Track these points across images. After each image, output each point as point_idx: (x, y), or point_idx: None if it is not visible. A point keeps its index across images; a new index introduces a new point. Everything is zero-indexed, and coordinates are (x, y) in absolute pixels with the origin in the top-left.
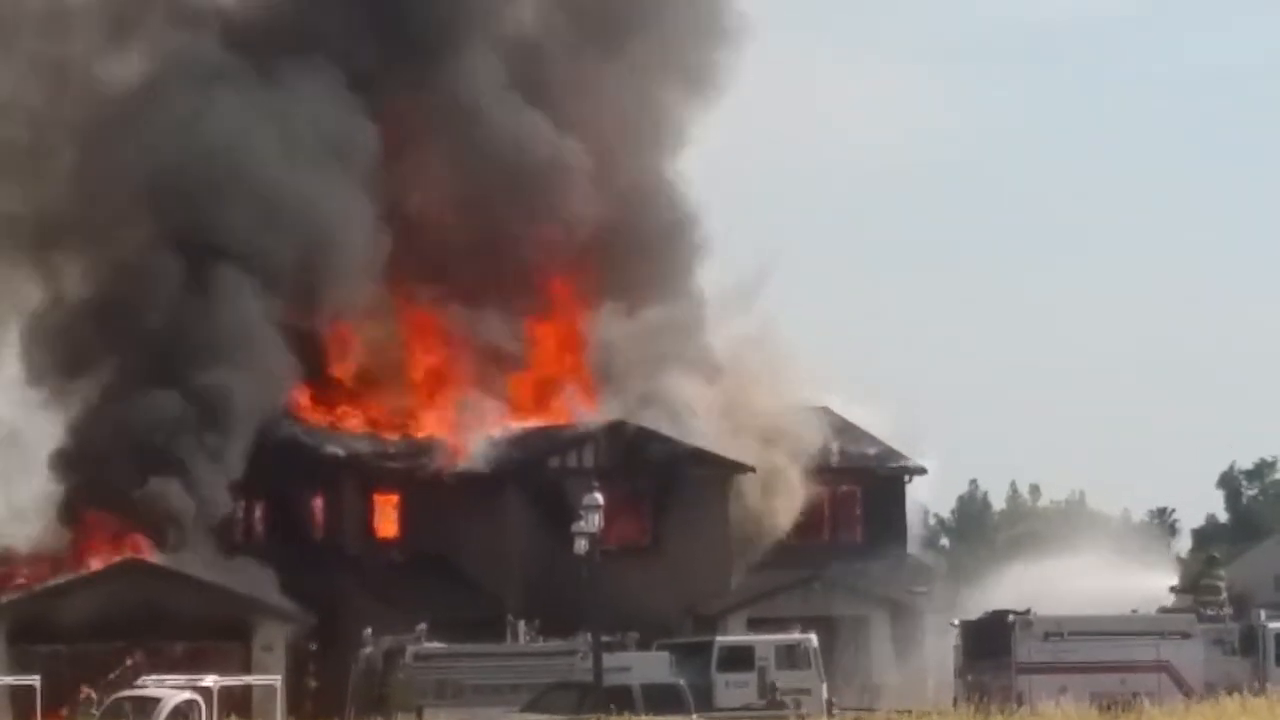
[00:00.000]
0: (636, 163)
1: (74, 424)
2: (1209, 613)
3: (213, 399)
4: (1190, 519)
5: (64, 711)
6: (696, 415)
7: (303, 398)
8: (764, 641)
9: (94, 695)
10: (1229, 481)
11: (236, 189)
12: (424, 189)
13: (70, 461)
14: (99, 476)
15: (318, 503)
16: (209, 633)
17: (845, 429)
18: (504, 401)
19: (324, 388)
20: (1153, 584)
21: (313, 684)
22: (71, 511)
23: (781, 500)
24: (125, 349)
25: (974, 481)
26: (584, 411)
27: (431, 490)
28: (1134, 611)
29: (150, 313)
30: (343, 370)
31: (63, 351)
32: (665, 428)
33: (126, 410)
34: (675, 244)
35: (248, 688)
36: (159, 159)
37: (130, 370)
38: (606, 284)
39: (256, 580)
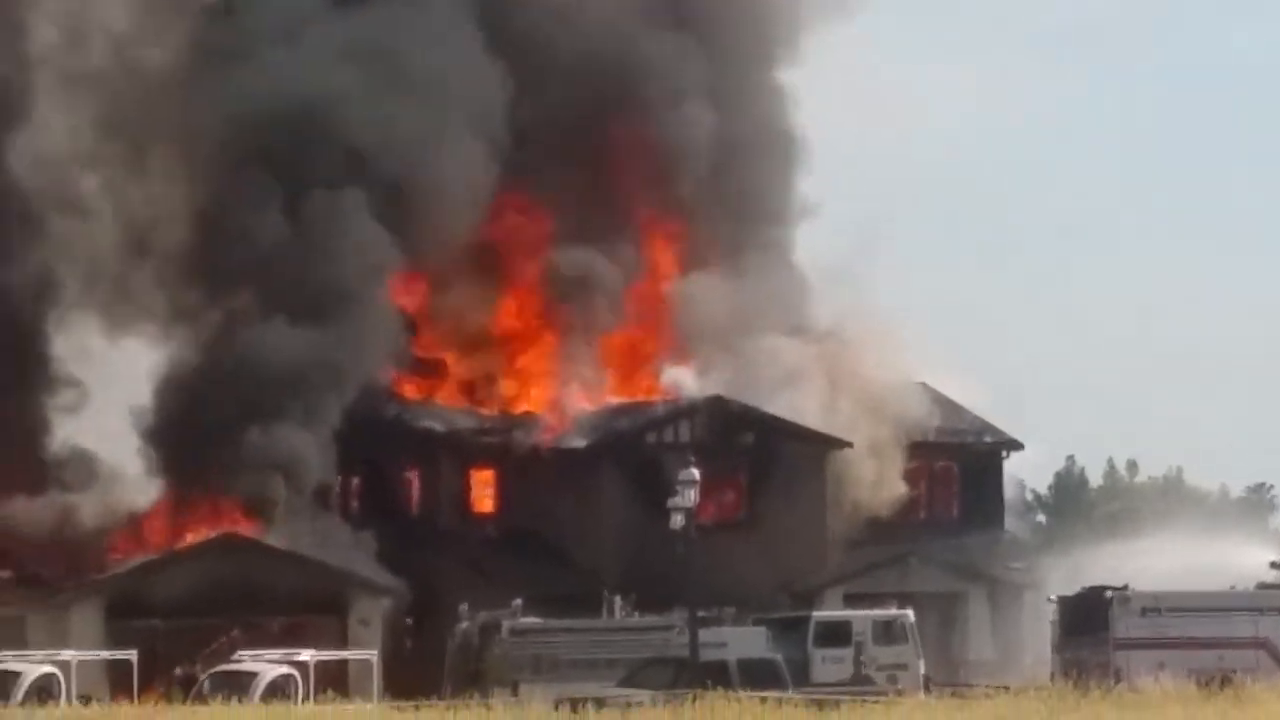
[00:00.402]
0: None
1: (167, 385)
2: None
3: (311, 368)
4: None
5: (159, 687)
6: (795, 388)
7: (399, 370)
8: (861, 617)
9: (192, 672)
10: None
11: (334, 132)
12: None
13: (166, 428)
14: (196, 445)
15: (414, 478)
16: (305, 607)
17: (943, 404)
18: (601, 372)
19: (420, 360)
20: (1251, 559)
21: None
22: (168, 486)
23: (879, 476)
24: (227, 293)
25: (1071, 458)
26: (681, 384)
27: (528, 465)
28: (1232, 587)
29: (251, 269)
30: (439, 342)
31: (161, 305)
32: (763, 400)
33: (226, 370)
34: (782, 190)
35: (344, 662)
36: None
37: (228, 330)
38: (707, 245)
39: (353, 555)
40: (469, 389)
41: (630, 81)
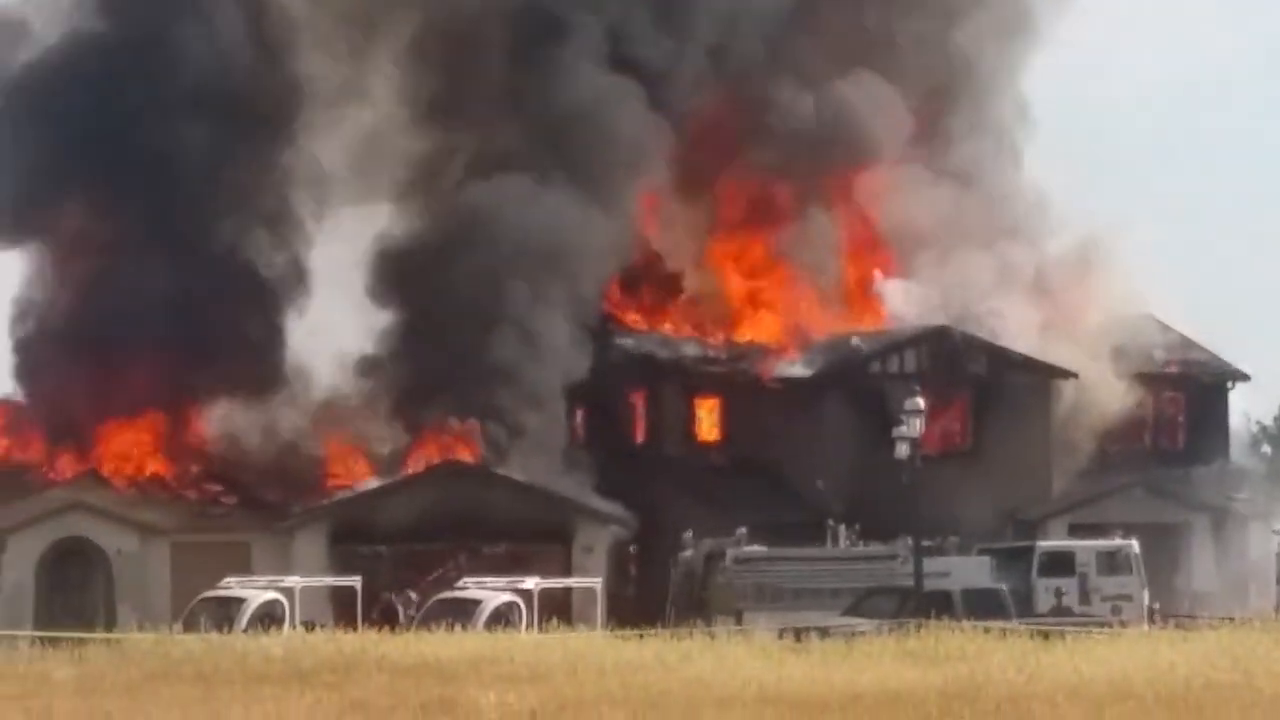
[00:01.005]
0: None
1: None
2: None
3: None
4: None
5: (375, 615)
6: (1018, 318)
7: (622, 298)
8: (1085, 547)
9: (411, 597)
10: None
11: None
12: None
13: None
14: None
15: (639, 405)
16: (529, 535)
17: (1170, 336)
18: (823, 300)
19: (642, 288)
20: None
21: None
22: (399, 415)
23: (1104, 406)
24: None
25: None
26: (903, 307)
27: (752, 395)
28: None
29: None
30: (661, 271)
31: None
32: (986, 331)
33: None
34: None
35: (568, 590)
36: None
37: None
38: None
39: (576, 482)
40: (692, 316)
41: None
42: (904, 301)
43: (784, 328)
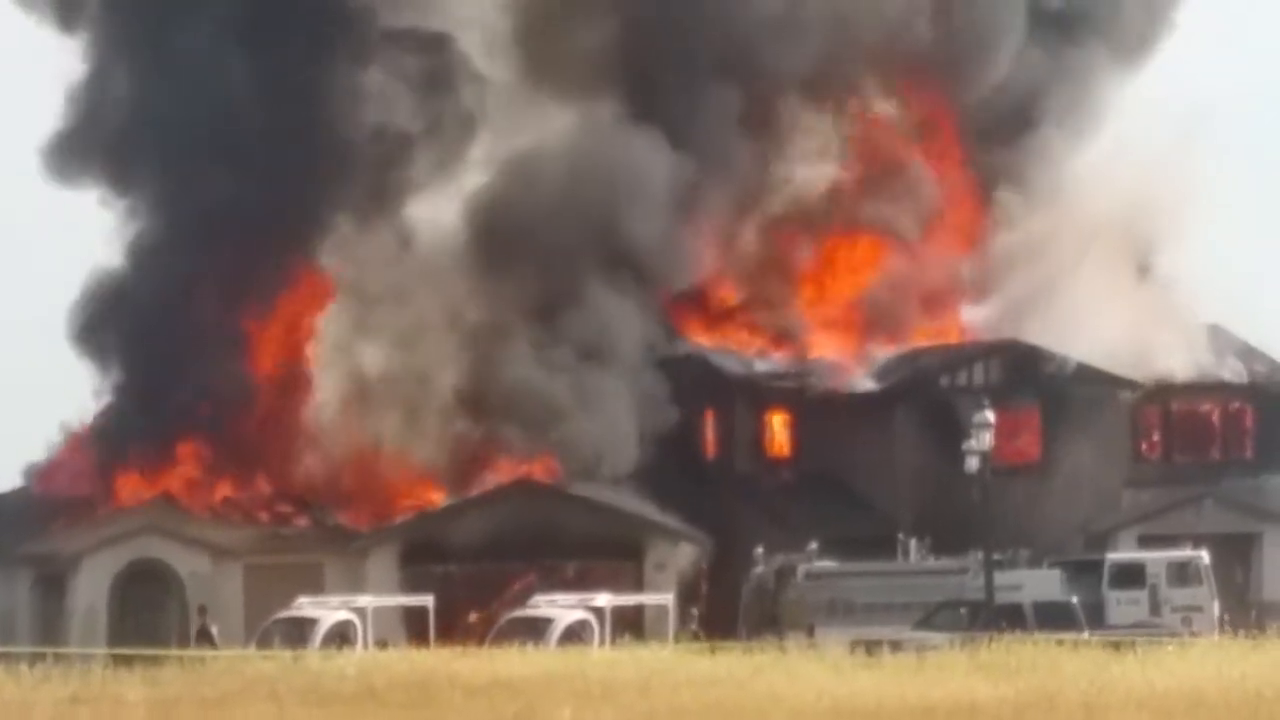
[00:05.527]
0: None
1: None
2: None
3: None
4: None
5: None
6: (1095, 326)
7: (689, 313)
8: (1155, 559)
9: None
10: None
11: None
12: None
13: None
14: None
15: (709, 421)
16: (601, 552)
17: (1239, 347)
18: (898, 311)
19: (710, 303)
20: None
21: (694, 613)
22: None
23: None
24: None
25: None
26: (975, 324)
27: (822, 409)
28: None
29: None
30: (727, 285)
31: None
32: (1057, 338)
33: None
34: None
35: (640, 606)
36: None
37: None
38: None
39: (647, 499)
40: (761, 333)
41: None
42: (978, 312)
43: (855, 342)
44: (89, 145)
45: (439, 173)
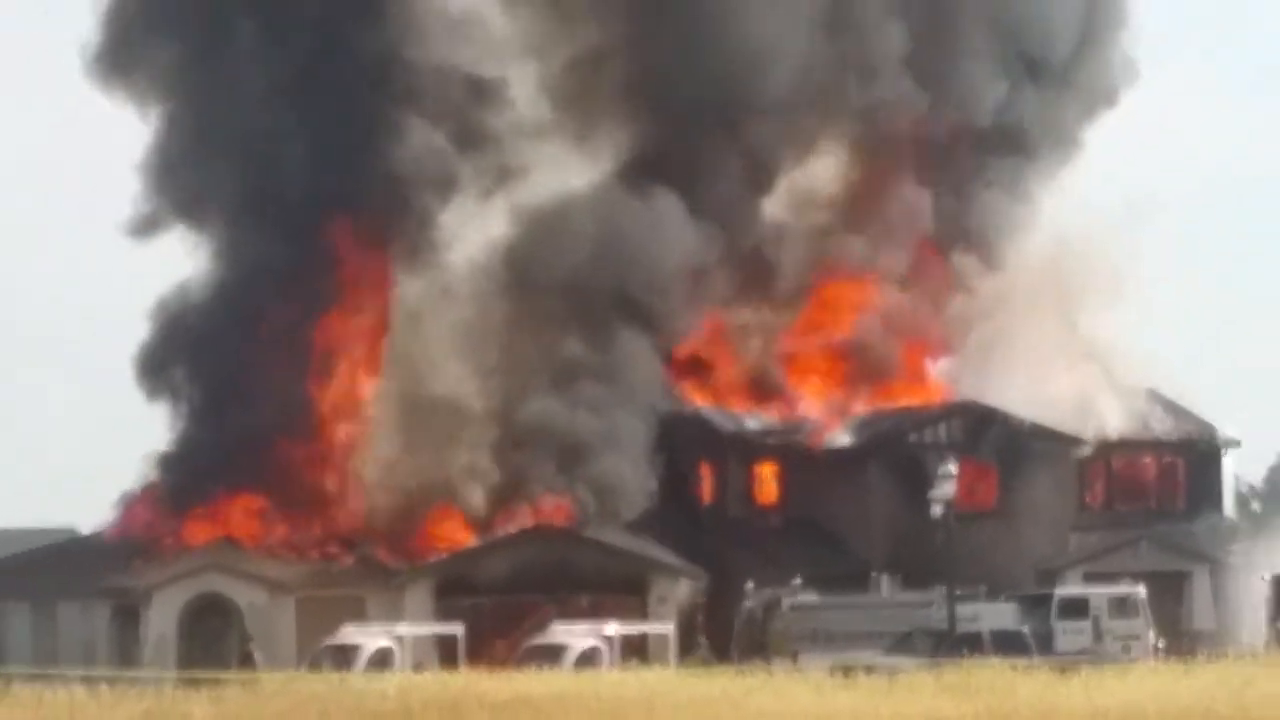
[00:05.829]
0: None
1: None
2: None
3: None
4: None
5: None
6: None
7: (687, 372)
8: (1098, 593)
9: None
10: None
11: None
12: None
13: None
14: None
15: (705, 472)
16: (610, 587)
17: (1171, 408)
18: (872, 372)
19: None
20: None
21: (703, 641)
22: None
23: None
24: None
25: None
26: (946, 380)
27: (806, 462)
28: None
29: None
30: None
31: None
32: (1011, 398)
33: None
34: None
35: (644, 635)
36: None
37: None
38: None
39: (651, 540)
40: (747, 390)
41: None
42: (946, 375)
43: (832, 402)
44: (160, 216)
45: (471, 223)
